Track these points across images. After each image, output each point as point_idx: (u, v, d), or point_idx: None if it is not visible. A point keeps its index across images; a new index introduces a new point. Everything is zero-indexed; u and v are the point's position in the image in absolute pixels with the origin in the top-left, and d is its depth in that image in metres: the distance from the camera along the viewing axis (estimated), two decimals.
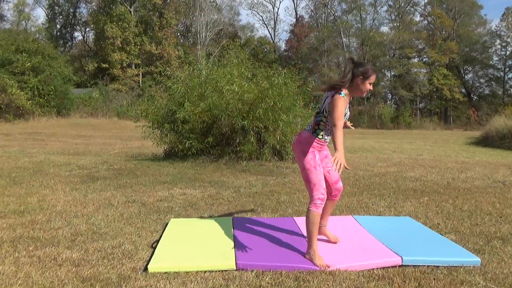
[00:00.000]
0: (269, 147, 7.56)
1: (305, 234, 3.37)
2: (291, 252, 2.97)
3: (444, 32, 42.51)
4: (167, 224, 3.67)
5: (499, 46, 43.44)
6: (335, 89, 2.87)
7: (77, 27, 45.92)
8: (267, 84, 7.68)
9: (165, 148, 8.72)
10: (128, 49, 35.42)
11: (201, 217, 4.02)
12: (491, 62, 43.77)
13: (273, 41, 49.96)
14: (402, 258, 2.80)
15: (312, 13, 47.50)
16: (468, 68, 45.20)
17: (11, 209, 4.20)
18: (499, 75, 43.90)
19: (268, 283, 2.51)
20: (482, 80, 45.49)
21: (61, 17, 45.71)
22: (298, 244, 3.15)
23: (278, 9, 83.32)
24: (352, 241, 3.24)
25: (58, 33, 45.09)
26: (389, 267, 2.77)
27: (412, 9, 45.74)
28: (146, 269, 2.67)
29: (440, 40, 41.37)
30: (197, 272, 2.65)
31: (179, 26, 43.67)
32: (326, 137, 3.03)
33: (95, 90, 31.75)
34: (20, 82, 23.12)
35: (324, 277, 2.59)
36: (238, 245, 3.07)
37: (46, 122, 23.41)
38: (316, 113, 3.01)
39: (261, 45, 47.72)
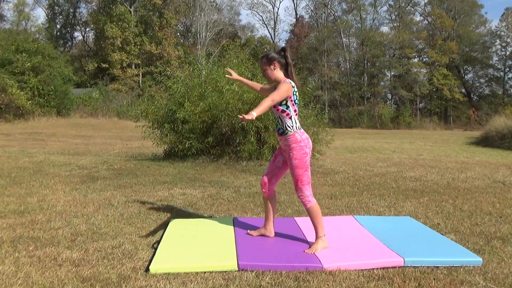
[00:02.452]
0: (269, 147, 7.55)
1: (305, 234, 3.38)
2: (291, 252, 2.97)
3: (444, 32, 42.51)
4: (168, 224, 3.67)
5: (499, 46, 43.51)
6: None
7: (77, 27, 45.98)
8: (267, 84, 7.66)
9: (165, 148, 8.72)
10: (128, 49, 35.43)
11: (202, 217, 4.02)
12: (491, 62, 43.79)
13: (273, 41, 49.95)
14: (404, 259, 2.80)
15: (312, 13, 47.55)
16: (468, 68, 45.22)
17: (11, 209, 4.20)
18: (499, 75, 43.93)
19: (268, 283, 2.51)
20: (482, 80, 45.54)
21: (61, 17, 45.75)
22: (298, 244, 3.15)
23: (278, 9, 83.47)
24: (353, 241, 3.23)
25: (58, 33, 45.10)
26: (389, 267, 2.77)
27: (412, 9, 45.79)
28: (147, 269, 2.66)
29: (440, 40, 41.36)
30: (197, 272, 2.65)
31: (179, 26, 43.68)
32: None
33: (95, 90, 31.77)
34: (20, 82, 23.12)
35: (324, 277, 2.59)
36: (240, 246, 3.07)
37: (46, 122, 23.41)
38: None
39: (261, 45, 47.68)
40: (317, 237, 3.06)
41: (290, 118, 3.04)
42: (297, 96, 3.07)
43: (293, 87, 3.02)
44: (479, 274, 2.67)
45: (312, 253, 2.95)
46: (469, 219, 4.05)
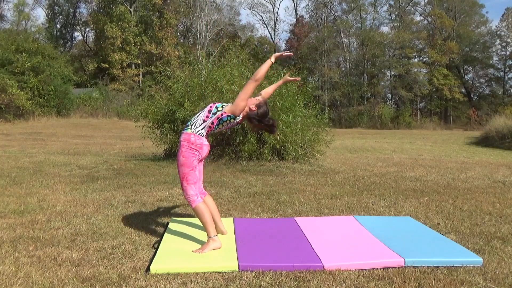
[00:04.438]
0: (269, 147, 7.56)
1: (306, 234, 3.38)
2: (291, 252, 2.97)
3: (444, 32, 42.50)
4: (168, 224, 3.67)
5: (499, 46, 43.49)
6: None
7: (77, 27, 45.95)
8: (267, 84, 7.67)
9: (165, 148, 8.72)
10: (128, 49, 35.40)
11: None
12: (491, 62, 43.77)
13: (273, 41, 49.95)
14: (404, 260, 2.80)
15: (312, 13, 47.54)
16: (468, 68, 45.20)
17: (11, 209, 4.20)
18: (499, 75, 43.92)
19: (268, 283, 2.51)
20: (482, 80, 45.52)
21: (61, 17, 45.74)
22: (298, 244, 3.15)
23: (278, 9, 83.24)
24: (354, 241, 3.23)
25: (58, 33, 45.08)
26: (389, 267, 2.77)
27: (412, 9, 45.79)
28: (148, 269, 2.66)
29: (440, 40, 41.35)
30: (197, 272, 2.65)
31: (179, 26, 43.65)
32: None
33: (95, 90, 31.77)
34: (20, 82, 23.13)
35: (324, 277, 2.59)
36: (240, 246, 3.06)
37: (46, 122, 23.41)
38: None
39: (261, 45, 47.70)
40: (208, 237, 3.01)
41: (204, 122, 3.01)
42: (222, 120, 2.99)
43: (233, 118, 2.98)
44: (479, 274, 2.67)
45: (200, 252, 2.92)
46: (469, 219, 4.05)
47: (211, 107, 3.05)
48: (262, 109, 3.01)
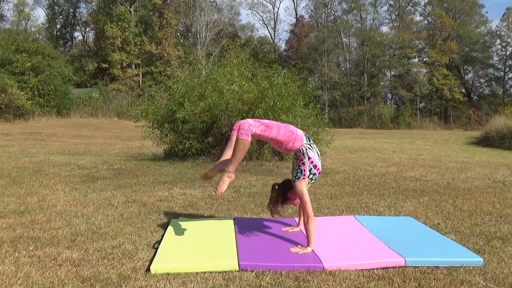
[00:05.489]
0: (269, 147, 7.56)
1: (305, 234, 3.38)
2: (291, 252, 2.97)
3: (444, 32, 42.49)
4: (168, 224, 3.67)
5: (499, 46, 43.48)
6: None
7: (77, 27, 45.93)
8: (267, 84, 7.68)
9: (165, 148, 8.72)
10: (128, 49, 35.38)
11: (202, 217, 4.02)
12: (491, 62, 43.76)
13: (273, 41, 49.94)
14: (405, 259, 2.80)
15: (312, 13, 47.51)
16: (468, 68, 45.18)
17: (11, 209, 4.20)
18: (499, 75, 43.90)
19: (268, 283, 2.51)
20: (482, 80, 45.47)
21: (61, 17, 45.72)
22: (298, 244, 3.15)
23: (278, 9, 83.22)
24: (354, 241, 3.23)
25: (58, 33, 45.07)
26: (389, 267, 2.77)
27: (412, 9, 45.77)
28: (148, 269, 2.66)
29: (440, 40, 41.33)
30: (197, 272, 2.65)
31: (179, 26, 43.65)
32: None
33: (95, 90, 31.75)
34: (20, 82, 23.12)
35: (324, 277, 2.59)
36: (240, 246, 3.06)
37: (46, 122, 23.40)
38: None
39: (261, 45, 47.68)
40: (227, 172, 3.12)
41: (303, 165, 3.18)
42: (303, 170, 3.18)
43: (311, 176, 3.19)
44: (479, 274, 2.67)
45: (219, 192, 3.07)
46: (469, 219, 4.05)
47: (315, 167, 3.23)
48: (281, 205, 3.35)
